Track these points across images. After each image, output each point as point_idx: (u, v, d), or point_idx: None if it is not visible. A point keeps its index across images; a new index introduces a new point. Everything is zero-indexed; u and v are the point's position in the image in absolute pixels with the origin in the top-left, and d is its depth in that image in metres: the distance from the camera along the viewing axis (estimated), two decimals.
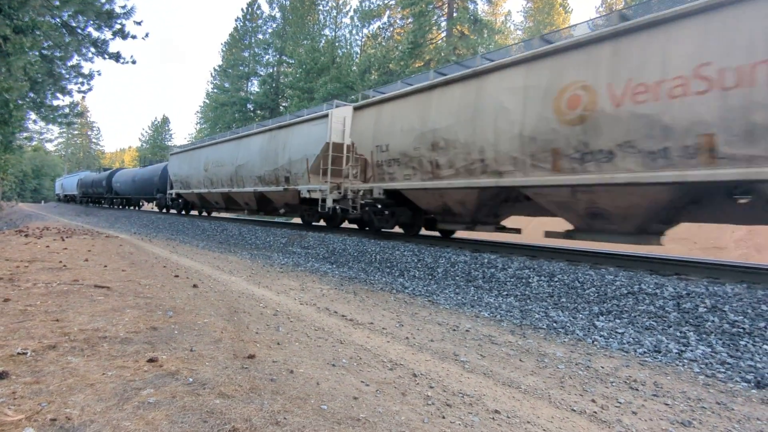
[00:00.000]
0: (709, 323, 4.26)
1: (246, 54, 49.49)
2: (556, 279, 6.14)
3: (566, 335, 4.47)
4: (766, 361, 3.53)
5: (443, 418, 2.48)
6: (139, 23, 17.97)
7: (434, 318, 5.00)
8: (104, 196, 34.39)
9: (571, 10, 44.94)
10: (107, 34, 17.80)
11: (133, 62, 18.76)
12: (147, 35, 18.37)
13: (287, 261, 9.52)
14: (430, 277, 7.48)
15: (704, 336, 4.11)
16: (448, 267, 7.63)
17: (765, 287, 4.69)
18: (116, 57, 18.24)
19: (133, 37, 17.83)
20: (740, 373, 3.43)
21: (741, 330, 4.04)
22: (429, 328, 4.55)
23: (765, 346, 3.72)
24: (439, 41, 30.82)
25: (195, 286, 6.01)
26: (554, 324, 4.78)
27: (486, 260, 7.48)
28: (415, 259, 8.25)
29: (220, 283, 6.55)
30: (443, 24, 31.22)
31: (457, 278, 7.17)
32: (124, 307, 4.40)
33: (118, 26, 17.57)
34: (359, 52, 40.67)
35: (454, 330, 4.52)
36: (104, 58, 18.24)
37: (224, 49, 50.84)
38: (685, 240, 11.12)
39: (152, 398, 2.36)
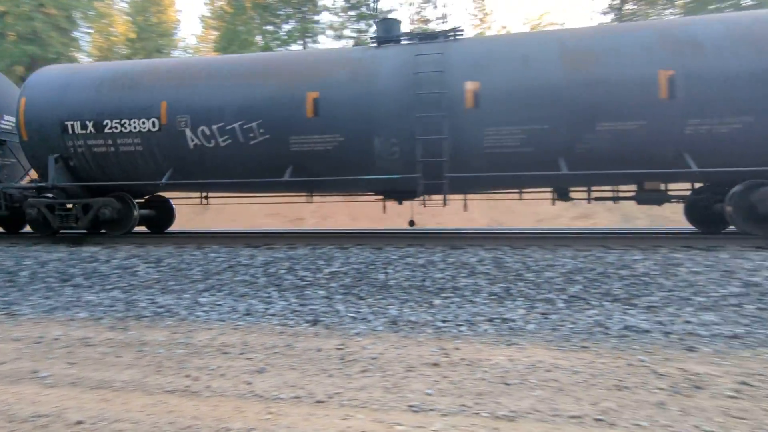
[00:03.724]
0: (287, 282, 5.15)
1: None
2: (164, 264, 6.03)
3: (171, 318, 4.50)
4: (320, 302, 4.58)
5: None
6: None
7: (9, 334, 4.08)
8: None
9: None
10: None
11: None
12: None
13: None
14: (10, 284, 6.01)
15: (283, 293, 4.94)
16: (37, 268, 6.32)
17: (322, 247, 6.02)
18: None
19: None
20: (304, 316, 4.32)
21: (307, 283, 5.08)
22: (1, 349, 3.70)
23: (320, 292, 4.82)
24: None
25: None
26: (160, 309, 4.72)
27: (87, 254, 6.59)
28: None
29: None
30: None
31: (49, 280, 6.03)
32: None
33: None
34: None
35: (38, 342, 3.83)
36: None
37: None
38: (276, 215, 12.97)
39: None
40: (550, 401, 2.57)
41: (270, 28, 25.51)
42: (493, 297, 4.62)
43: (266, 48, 23.72)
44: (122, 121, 6.94)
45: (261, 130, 6.52)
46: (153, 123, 6.83)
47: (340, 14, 25.39)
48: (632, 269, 4.79)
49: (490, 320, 4.09)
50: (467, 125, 6.05)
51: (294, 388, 2.80)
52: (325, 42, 25.53)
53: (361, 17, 25.23)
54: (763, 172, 5.52)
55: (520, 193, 7.25)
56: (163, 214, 8.69)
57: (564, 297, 4.45)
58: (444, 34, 6.68)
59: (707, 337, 3.54)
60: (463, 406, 2.53)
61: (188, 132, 6.74)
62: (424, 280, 5.08)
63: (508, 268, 5.11)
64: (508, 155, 6.05)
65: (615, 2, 21.97)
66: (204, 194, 8.20)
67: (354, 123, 6.34)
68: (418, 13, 29.50)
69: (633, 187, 6.48)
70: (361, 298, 4.79)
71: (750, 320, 3.78)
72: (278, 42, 24.70)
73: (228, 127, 6.60)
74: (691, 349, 3.36)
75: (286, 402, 2.62)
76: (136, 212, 7.60)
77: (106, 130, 6.99)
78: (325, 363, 3.23)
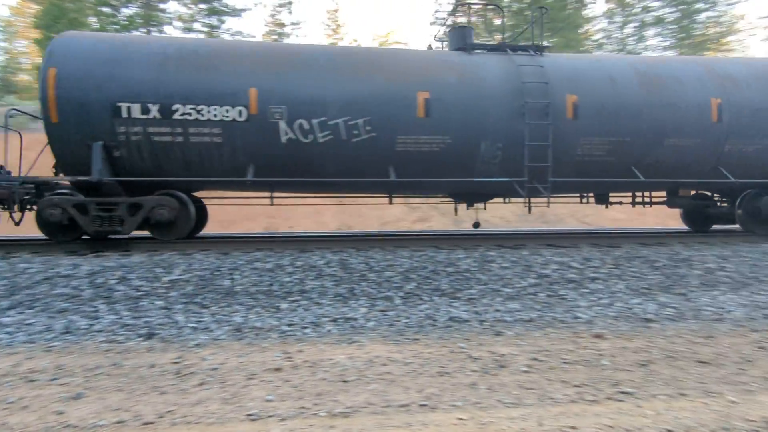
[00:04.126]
0: (118, 293, 4.56)
1: None
2: None
3: None
4: (156, 314, 4.15)
5: None
6: None
7: None
8: None
9: None
10: None
11: None
12: None
13: None
14: None
15: (113, 305, 4.35)
16: None
17: (161, 253, 5.48)
18: None
19: None
20: (137, 330, 3.86)
21: (143, 293, 4.56)
22: None
23: (157, 302, 4.37)
24: None
25: None
26: None
27: None
28: None
29: None
30: None
31: None
32: None
33: None
34: None
35: None
36: None
37: None
38: None
39: None
40: (383, 393, 2.71)
41: (107, 9, 22.38)
42: (338, 298, 4.71)
43: (102, 30, 20.73)
44: (198, 108, 5.74)
45: (367, 128, 6.02)
46: (239, 112, 5.77)
47: (190, 6, 23.48)
48: (457, 266, 5.33)
49: (335, 320, 4.16)
50: (566, 134, 6.36)
51: (118, 412, 2.48)
52: (172, 33, 23.32)
53: (212, 12, 23.66)
54: None
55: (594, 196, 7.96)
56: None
57: (401, 294, 4.74)
58: (533, 48, 6.92)
59: (511, 322, 4.11)
60: (303, 408, 2.52)
61: (283, 125, 5.86)
62: (271, 285, 4.95)
63: (353, 269, 5.27)
64: (594, 163, 6.56)
65: (448, 30, 24.26)
66: (272, 194, 6.92)
67: (463, 126, 6.23)
68: (272, 16, 28.86)
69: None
70: (204, 307, 4.47)
71: (541, 306, 4.49)
72: (116, 27, 21.79)
73: (331, 123, 5.93)
74: (498, 333, 3.86)
75: (107, 429, 2.30)
76: (193, 213, 6.32)
77: (175, 117, 5.75)
78: (158, 380, 2.93)
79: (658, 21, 26.95)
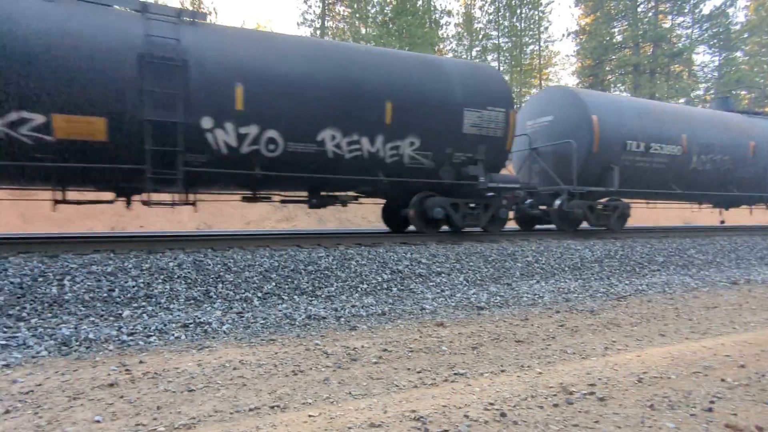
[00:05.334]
0: None
1: None
2: None
3: None
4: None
5: None
6: None
7: None
8: None
9: None
10: None
11: None
12: None
13: None
14: None
15: None
16: None
17: None
18: None
19: None
20: None
21: None
22: None
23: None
24: None
25: None
26: None
27: None
28: None
29: None
30: None
31: None
32: None
33: None
34: None
35: None
36: None
37: None
38: None
39: None
40: (232, 399, 2.55)
41: None
42: (190, 302, 4.34)
43: None
44: (661, 146, 8.78)
45: (726, 162, 9.76)
46: (678, 149, 8.96)
47: None
48: (317, 265, 5.31)
49: (185, 326, 3.82)
50: (749, 165, 10.39)
51: None
52: None
53: None
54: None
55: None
56: None
57: (259, 295, 4.56)
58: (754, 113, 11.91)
59: (365, 316, 4.24)
60: (139, 425, 2.24)
61: (694, 158, 9.23)
62: (111, 290, 4.35)
63: (208, 270, 4.90)
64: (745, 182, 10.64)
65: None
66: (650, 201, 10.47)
67: (718, 162, 9.87)
68: None
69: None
70: (20, 320, 3.73)
71: (393, 300, 4.72)
72: None
73: (713, 158, 9.46)
74: (354, 328, 3.94)
75: None
76: None
77: (650, 151, 8.69)
78: None
79: (496, 48, 30.53)
